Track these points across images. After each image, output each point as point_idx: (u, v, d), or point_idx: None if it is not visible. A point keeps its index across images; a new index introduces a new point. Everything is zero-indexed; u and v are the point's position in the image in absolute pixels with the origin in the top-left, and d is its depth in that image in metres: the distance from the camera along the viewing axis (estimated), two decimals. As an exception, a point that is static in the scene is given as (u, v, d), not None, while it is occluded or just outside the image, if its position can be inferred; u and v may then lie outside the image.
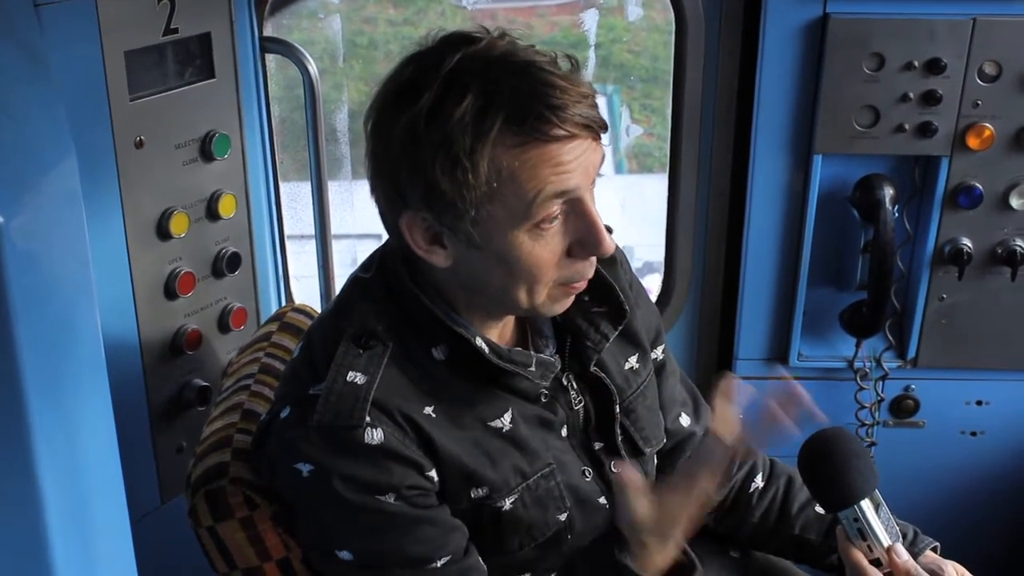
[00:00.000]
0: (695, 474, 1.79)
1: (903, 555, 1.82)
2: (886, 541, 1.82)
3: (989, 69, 2.53)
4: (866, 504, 1.81)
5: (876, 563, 1.82)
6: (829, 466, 1.83)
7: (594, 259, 1.72)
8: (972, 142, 2.58)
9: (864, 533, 1.82)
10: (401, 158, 1.60)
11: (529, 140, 1.56)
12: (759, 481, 2.14)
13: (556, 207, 1.61)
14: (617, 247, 1.92)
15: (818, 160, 2.64)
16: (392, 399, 1.69)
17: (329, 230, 2.77)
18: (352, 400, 1.67)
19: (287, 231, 2.93)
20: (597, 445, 1.91)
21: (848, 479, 1.81)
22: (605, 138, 1.69)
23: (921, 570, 1.81)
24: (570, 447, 1.88)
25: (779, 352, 2.86)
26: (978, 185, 2.62)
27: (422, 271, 1.76)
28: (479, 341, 1.74)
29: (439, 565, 1.73)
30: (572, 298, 1.76)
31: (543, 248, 1.64)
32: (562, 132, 1.56)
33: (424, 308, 1.74)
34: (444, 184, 1.57)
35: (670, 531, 1.79)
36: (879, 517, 1.82)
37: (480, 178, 1.56)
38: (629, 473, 1.80)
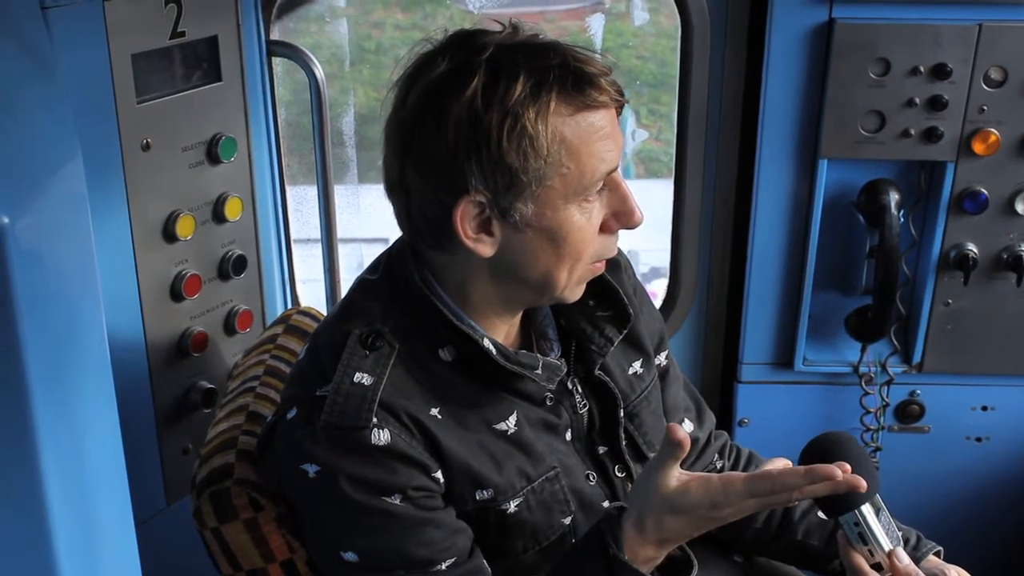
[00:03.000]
0: (735, 482, 1.68)
1: (904, 559, 1.81)
2: (887, 546, 1.81)
3: (995, 75, 2.53)
4: (867, 509, 1.81)
5: (877, 568, 1.82)
6: None
7: (618, 236, 1.78)
8: (978, 147, 2.57)
9: (865, 538, 1.81)
10: (458, 141, 1.63)
11: (581, 108, 1.65)
12: (763, 486, 2.13)
13: (601, 183, 1.69)
14: (621, 252, 1.94)
15: (823, 165, 2.64)
16: (399, 400, 1.70)
17: (335, 234, 2.78)
18: (359, 401, 1.68)
19: (293, 235, 2.94)
20: (601, 449, 1.91)
21: None
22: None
23: (922, 574, 1.80)
24: (574, 451, 1.88)
25: (784, 357, 2.86)
26: (984, 190, 2.62)
27: (434, 271, 1.77)
28: (487, 342, 1.74)
29: (444, 568, 1.73)
30: (583, 287, 1.81)
31: (587, 222, 1.70)
32: (605, 98, 1.66)
33: (432, 308, 1.74)
34: (510, 157, 1.62)
35: (675, 529, 1.71)
36: (880, 522, 1.82)
37: (544, 149, 1.63)
38: (678, 431, 1.69)
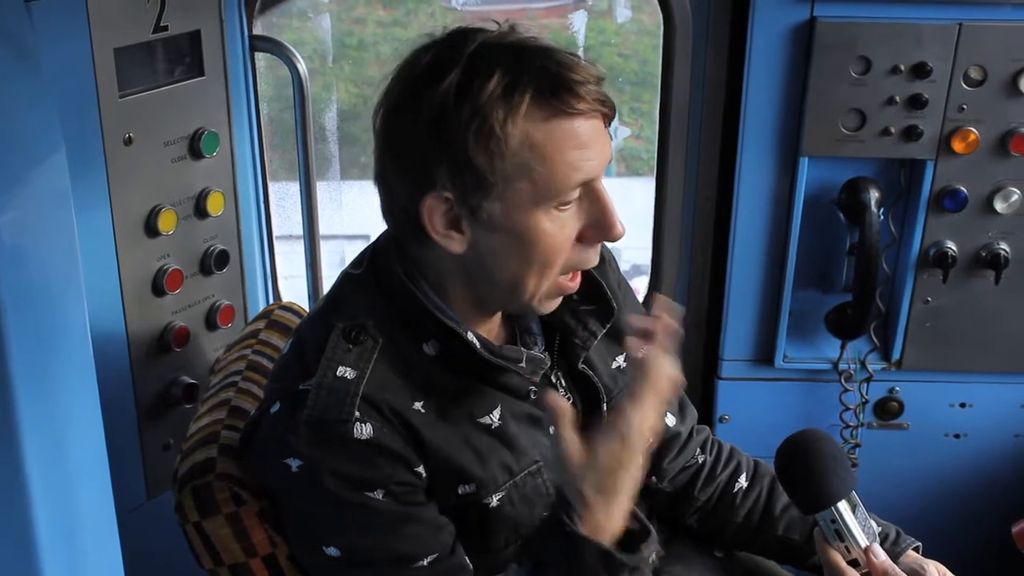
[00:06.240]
0: (623, 410, 1.70)
1: (880, 555, 1.83)
2: (863, 542, 1.83)
3: (974, 74, 2.54)
4: (843, 505, 1.82)
5: (854, 564, 1.83)
6: (805, 468, 1.84)
7: (599, 248, 1.76)
8: (957, 146, 2.59)
9: (842, 534, 1.82)
10: (429, 136, 1.63)
11: (556, 114, 1.62)
12: (743, 481, 2.15)
13: (576, 192, 1.67)
14: (605, 247, 1.94)
15: (804, 163, 2.65)
16: (381, 394, 1.70)
17: (317, 230, 2.77)
18: (342, 395, 1.68)
19: (276, 231, 2.93)
20: (584, 443, 1.92)
21: (824, 481, 1.81)
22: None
23: (899, 570, 1.82)
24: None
25: (764, 354, 2.87)
26: (963, 188, 2.63)
27: (417, 266, 1.77)
28: (471, 336, 1.75)
29: (425, 563, 1.73)
30: (559, 300, 1.79)
31: (560, 230, 1.68)
32: (584, 106, 1.63)
33: (416, 303, 1.74)
34: (477, 157, 1.60)
35: (610, 483, 1.67)
36: (856, 518, 1.83)
37: (512, 150, 1.61)
38: (556, 399, 1.71)
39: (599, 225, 1.70)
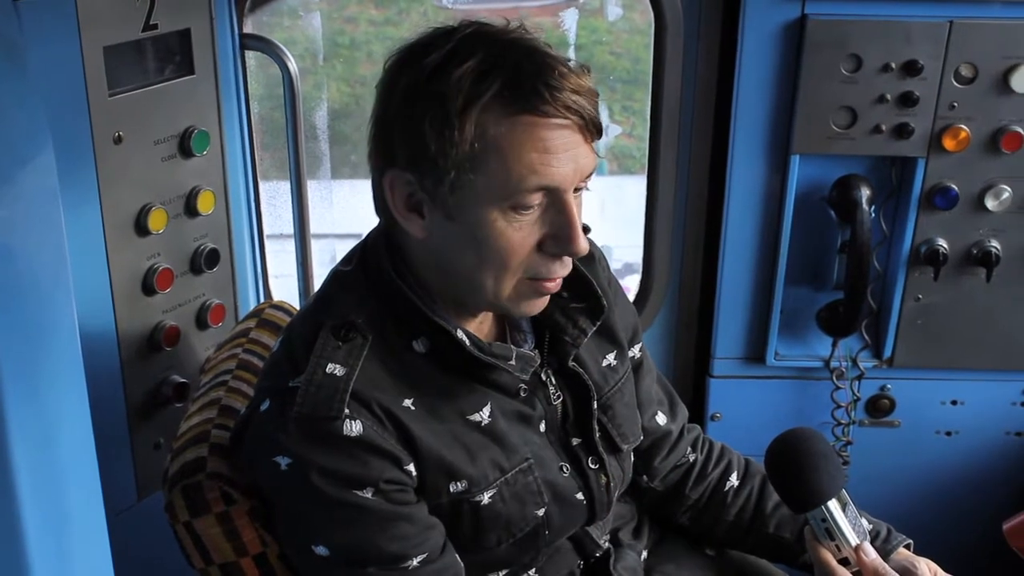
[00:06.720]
0: None
1: (871, 554, 1.83)
2: (854, 540, 1.83)
3: (965, 71, 2.55)
4: (833, 504, 1.82)
5: (844, 562, 1.83)
6: (795, 467, 1.84)
7: (567, 260, 1.72)
8: (948, 143, 2.59)
9: (832, 533, 1.83)
10: (398, 113, 1.63)
11: (518, 112, 1.59)
12: (734, 480, 2.15)
13: (537, 198, 1.63)
14: (595, 245, 1.94)
15: (795, 160, 2.65)
16: (371, 391, 1.69)
17: (308, 228, 2.77)
18: (331, 392, 1.67)
19: (267, 230, 2.93)
20: (575, 441, 1.91)
21: (814, 480, 1.81)
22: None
23: (889, 568, 1.82)
24: (548, 442, 1.88)
25: (756, 351, 2.88)
26: (954, 186, 2.64)
27: (405, 262, 1.76)
28: (460, 334, 1.74)
29: (415, 563, 1.73)
30: (543, 299, 1.77)
31: (515, 233, 1.65)
32: (551, 109, 1.59)
33: (406, 300, 1.74)
34: (430, 140, 1.59)
35: None
36: (846, 516, 1.83)
37: (465, 139, 1.58)
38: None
39: (559, 238, 1.67)
